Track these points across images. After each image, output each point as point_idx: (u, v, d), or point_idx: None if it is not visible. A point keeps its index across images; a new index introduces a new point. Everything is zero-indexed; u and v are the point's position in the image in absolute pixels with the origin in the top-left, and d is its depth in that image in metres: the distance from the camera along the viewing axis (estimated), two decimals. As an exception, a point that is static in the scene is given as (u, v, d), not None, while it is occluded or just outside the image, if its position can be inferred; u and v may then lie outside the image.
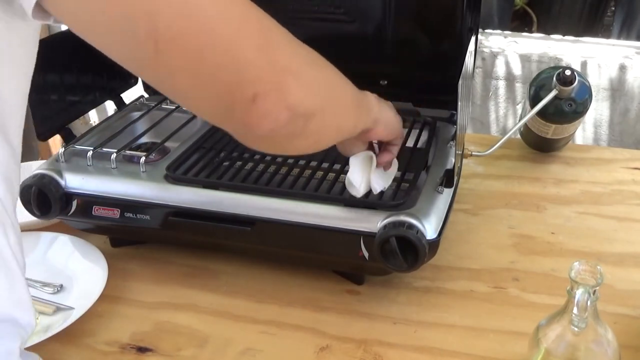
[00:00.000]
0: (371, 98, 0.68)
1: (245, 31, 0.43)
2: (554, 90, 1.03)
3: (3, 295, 0.56)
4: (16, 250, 0.56)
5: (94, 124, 1.08)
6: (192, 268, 0.91)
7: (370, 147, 0.75)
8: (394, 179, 0.83)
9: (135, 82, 1.13)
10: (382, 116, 0.68)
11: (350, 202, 0.79)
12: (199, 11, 0.42)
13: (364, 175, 0.75)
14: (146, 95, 1.12)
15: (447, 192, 0.82)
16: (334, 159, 0.88)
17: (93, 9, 0.43)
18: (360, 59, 1.03)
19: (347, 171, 0.76)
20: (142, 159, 0.87)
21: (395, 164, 0.78)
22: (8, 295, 0.56)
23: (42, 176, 0.86)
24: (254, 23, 0.45)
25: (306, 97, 0.47)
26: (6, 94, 0.53)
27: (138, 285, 0.88)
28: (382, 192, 0.80)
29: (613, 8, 2.87)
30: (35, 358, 0.64)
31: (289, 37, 0.50)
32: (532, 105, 1.06)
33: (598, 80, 2.05)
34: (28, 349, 0.73)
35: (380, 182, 0.76)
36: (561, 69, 1.03)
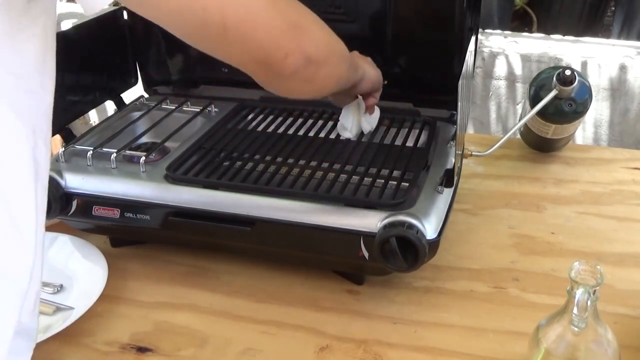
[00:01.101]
0: (357, 58, 0.83)
1: (281, 18, 0.63)
2: (554, 90, 1.03)
3: (17, 305, 0.56)
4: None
5: (94, 124, 1.08)
6: (192, 268, 0.91)
7: (355, 99, 0.91)
8: (394, 179, 0.83)
9: (135, 82, 1.13)
10: (366, 73, 0.85)
11: (350, 202, 0.79)
12: (252, 6, 0.60)
13: (354, 120, 0.92)
14: (146, 95, 1.13)
15: (447, 192, 0.82)
16: (334, 159, 0.88)
17: (178, 7, 0.57)
18: (360, 59, 1.03)
19: (342, 168, 0.81)
20: (142, 159, 0.87)
21: (377, 110, 0.94)
22: (23, 304, 0.56)
23: (42, 176, 0.86)
24: (289, 11, 0.65)
25: (317, 50, 0.66)
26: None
27: (138, 285, 0.88)
28: (382, 192, 0.80)
29: (613, 8, 2.88)
30: None
31: (305, 10, 0.67)
32: (532, 105, 1.06)
33: (598, 80, 2.05)
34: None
35: (367, 125, 0.94)
36: (561, 69, 1.03)
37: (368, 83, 0.86)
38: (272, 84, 0.67)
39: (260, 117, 1.02)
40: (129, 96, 1.10)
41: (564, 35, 2.28)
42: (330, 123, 0.99)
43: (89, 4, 0.54)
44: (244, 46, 0.61)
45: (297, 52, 0.63)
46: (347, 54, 0.77)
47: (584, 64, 2.06)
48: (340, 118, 0.93)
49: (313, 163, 0.88)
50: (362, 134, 0.95)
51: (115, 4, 1.01)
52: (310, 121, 1.00)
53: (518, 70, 2.14)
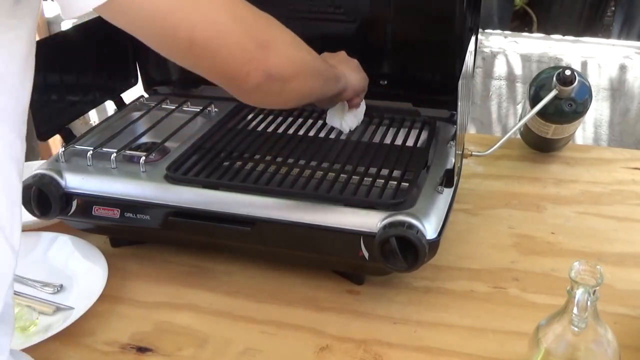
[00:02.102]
0: (342, 68, 0.86)
1: (248, 36, 0.65)
2: (554, 90, 1.03)
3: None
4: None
5: (94, 124, 1.08)
6: (192, 268, 0.91)
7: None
8: (394, 179, 0.83)
9: (135, 82, 1.13)
10: (349, 82, 0.87)
11: (350, 202, 0.79)
12: (219, 25, 0.62)
13: (339, 120, 0.96)
14: (146, 95, 1.13)
15: (447, 192, 0.82)
16: (334, 159, 0.88)
17: (151, 21, 0.59)
18: (360, 59, 1.02)
19: (342, 168, 0.83)
20: (142, 159, 0.87)
21: (363, 105, 0.97)
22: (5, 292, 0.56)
23: (42, 176, 0.86)
24: (257, 30, 0.66)
25: (282, 67, 0.68)
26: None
27: (138, 285, 0.88)
28: (382, 192, 0.80)
29: (613, 8, 2.87)
30: (23, 355, 0.64)
31: (276, 27, 0.70)
32: (532, 105, 1.06)
33: (598, 80, 2.05)
34: (29, 348, 0.73)
35: (355, 121, 0.98)
36: (561, 69, 1.03)
37: (351, 91, 0.89)
38: (239, 96, 0.70)
39: (260, 117, 1.02)
40: (129, 96, 1.10)
41: (564, 35, 2.28)
42: (330, 123, 1.00)
43: (69, 9, 0.55)
44: (210, 61, 0.64)
45: (259, 70, 0.66)
46: (321, 68, 0.79)
47: (584, 64, 2.06)
48: (327, 120, 0.98)
49: (313, 163, 0.88)
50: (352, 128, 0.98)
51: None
52: (310, 121, 1.00)
53: (518, 70, 2.14)
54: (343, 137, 0.96)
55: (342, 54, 0.91)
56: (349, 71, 0.88)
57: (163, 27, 0.59)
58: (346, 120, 0.96)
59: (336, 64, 0.85)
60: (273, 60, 0.67)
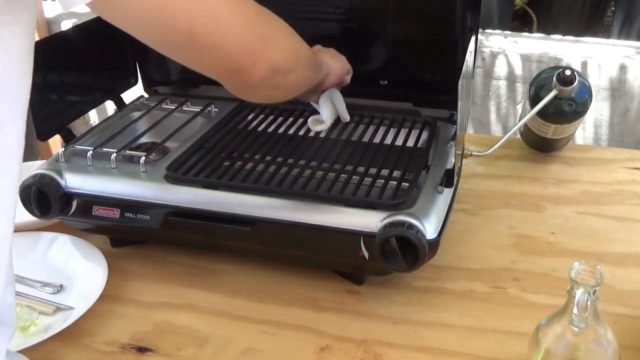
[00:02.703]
0: (322, 55, 0.87)
1: (249, 29, 0.64)
2: (554, 90, 1.03)
3: None
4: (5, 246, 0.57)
5: (94, 124, 1.08)
6: (192, 268, 0.91)
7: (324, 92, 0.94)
8: (394, 179, 0.83)
9: (135, 82, 1.13)
10: (331, 68, 0.88)
11: (350, 202, 0.79)
12: (221, 17, 0.61)
13: (330, 112, 0.96)
14: (146, 95, 1.13)
15: (447, 192, 0.82)
16: (335, 159, 0.88)
17: (148, 13, 0.57)
18: (360, 59, 1.03)
19: (342, 168, 0.82)
20: (142, 159, 0.87)
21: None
22: None
23: (42, 176, 0.86)
24: (257, 21, 0.65)
25: (284, 59, 0.68)
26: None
27: (138, 285, 0.88)
28: (382, 192, 0.80)
29: (613, 8, 2.87)
30: (19, 356, 0.64)
31: (274, 19, 0.69)
32: (532, 105, 1.06)
33: (598, 80, 2.05)
34: (29, 348, 0.73)
35: (345, 115, 0.98)
36: (561, 69, 1.03)
37: (333, 77, 0.90)
38: (240, 91, 0.70)
39: (261, 117, 1.02)
40: (129, 96, 1.10)
41: (564, 35, 2.27)
42: (330, 123, 1.00)
43: (66, 1, 0.54)
44: (212, 55, 0.63)
45: (264, 63, 0.65)
46: (312, 57, 0.79)
47: (584, 64, 2.06)
48: (320, 113, 0.96)
49: (313, 163, 0.88)
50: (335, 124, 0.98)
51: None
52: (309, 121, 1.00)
53: (518, 70, 2.13)
54: (343, 137, 0.96)
55: (317, 46, 0.90)
56: (327, 57, 0.88)
57: (161, 19, 0.58)
58: (342, 110, 0.97)
59: (315, 52, 0.84)
60: (276, 52, 0.67)
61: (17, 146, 0.57)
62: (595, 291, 0.60)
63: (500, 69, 2.15)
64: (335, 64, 0.90)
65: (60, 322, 0.79)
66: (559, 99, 1.04)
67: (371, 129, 0.98)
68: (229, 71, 0.65)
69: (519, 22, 2.93)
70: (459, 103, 0.77)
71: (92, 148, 0.90)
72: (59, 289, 0.86)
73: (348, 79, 0.95)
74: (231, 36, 0.62)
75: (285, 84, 0.70)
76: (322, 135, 0.97)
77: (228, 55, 0.63)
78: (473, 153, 0.99)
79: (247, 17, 0.64)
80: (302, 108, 1.03)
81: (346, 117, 0.98)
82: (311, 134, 0.97)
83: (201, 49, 0.61)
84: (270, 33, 0.67)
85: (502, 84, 2.17)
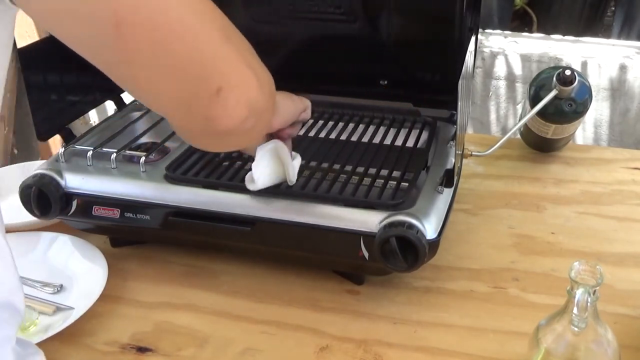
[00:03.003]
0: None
1: (211, 24, 0.44)
2: (554, 90, 1.03)
3: (1, 281, 0.56)
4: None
5: (94, 124, 1.08)
6: (192, 268, 0.91)
7: (269, 137, 0.74)
8: (394, 179, 0.83)
9: (135, 82, 1.12)
10: (279, 109, 0.67)
11: (350, 202, 0.79)
12: (164, 7, 0.41)
13: (269, 168, 0.74)
14: (146, 95, 1.12)
15: (447, 192, 0.82)
16: (334, 159, 0.88)
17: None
18: (360, 59, 1.02)
19: (341, 168, 0.80)
20: (142, 159, 0.87)
21: (298, 155, 0.78)
22: (5, 280, 0.56)
23: (42, 176, 0.86)
24: (218, 17, 0.46)
25: (262, 95, 0.49)
26: None
27: (138, 285, 0.88)
28: (382, 192, 0.80)
29: (613, 8, 2.87)
30: (31, 344, 0.64)
31: (241, 35, 0.51)
32: (532, 105, 1.06)
33: (598, 80, 2.05)
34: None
35: (292, 172, 0.77)
36: (561, 69, 1.03)
37: (280, 120, 0.69)
38: (200, 134, 0.53)
39: (260, 117, 1.02)
40: (129, 96, 1.10)
41: (564, 35, 2.28)
42: (331, 123, 0.99)
43: None
44: (150, 66, 0.45)
45: (236, 91, 0.48)
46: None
47: (584, 64, 2.06)
48: (254, 169, 0.74)
49: (313, 163, 0.88)
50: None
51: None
52: (309, 121, 1.00)
53: (518, 70, 2.14)
54: (343, 137, 0.96)
55: None
56: (279, 96, 0.66)
57: (72, 6, 0.41)
58: (291, 168, 0.76)
59: None
60: (252, 83, 0.49)
61: None
62: (595, 291, 0.60)
63: (500, 69, 2.15)
64: (285, 103, 0.70)
65: (60, 322, 0.79)
66: (559, 99, 1.04)
67: (371, 129, 0.98)
68: (182, 97, 0.45)
69: (519, 22, 2.93)
70: (459, 103, 0.77)
71: (92, 148, 0.90)
72: (59, 289, 0.86)
73: (306, 116, 0.77)
74: (180, 35, 0.43)
75: (255, 128, 0.52)
76: (322, 135, 0.97)
77: (175, 72, 0.44)
78: (473, 153, 0.99)
79: (215, 23, 0.47)
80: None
81: (292, 178, 0.77)
82: (311, 133, 0.97)
83: (133, 55, 0.43)
84: (247, 55, 0.49)
85: (502, 84, 2.17)
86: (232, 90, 0.46)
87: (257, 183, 0.74)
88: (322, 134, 0.97)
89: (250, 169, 0.77)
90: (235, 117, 0.47)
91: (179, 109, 0.47)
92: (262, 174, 0.74)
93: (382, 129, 0.97)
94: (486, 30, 2.33)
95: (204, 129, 0.49)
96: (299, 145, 0.93)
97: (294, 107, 0.72)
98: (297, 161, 0.77)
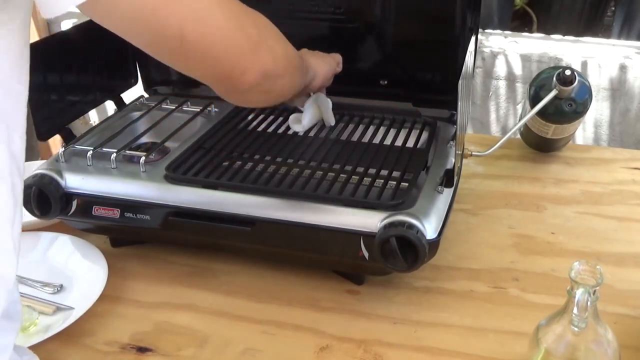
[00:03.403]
0: (308, 58, 0.86)
1: (241, 34, 0.63)
2: (554, 90, 1.03)
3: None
4: (16, 238, 0.57)
5: (94, 124, 1.08)
6: (192, 268, 0.91)
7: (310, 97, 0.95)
8: (394, 179, 0.83)
9: (135, 82, 1.13)
10: (317, 72, 0.88)
11: (350, 202, 0.79)
12: (212, 22, 0.60)
13: (313, 115, 0.96)
14: (146, 95, 1.13)
15: (447, 192, 0.82)
16: (334, 159, 0.88)
17: (138, 16, 0.57)
18: (360, 59, 1.03)
19: (341, 168, 0.82)
20: (142, 159, 0.87)
21: (329, 100, 0.97)
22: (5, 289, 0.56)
23: (42, 176, 0.86)
24: (249, 26, 0.64)
25: (275, 64, 0.68)
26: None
27: (138, 285, 0.88)
28: (382, 192, 0.80)
29: (613, 8, 2.87)
30: (26, 350, 0.64)
31: (265, 23, 0.69)
32: (532, 105, 1.06)
33: (598, 80, 2.05)
34: (28, 348, 0.73)
35: (331, 119, 0.98)
36: (561, 69, 1.03)
37: (319, 80, 0.89)
38: (230, 96, 0.70)
39: (260, 117, 1.02)
40: (129, 96, 1.10)
41: (564, 35, 2.28)
42: (330, 123, 1.00)
43: (49, 7, 0.52)
44: (202, 61, 0.62)
45: (255, 69, 0.65)
46: (300, 61, 0.78)
47: (584, 64, 2.06)
48: (304, 116, 0.95)
49: (313, 163, 0.88)
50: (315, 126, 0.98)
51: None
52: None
53: (518, 70, 2.13)
54: (343, 137, 0.96)
55: (304, 49, 0.89)
56: (313, 60, 0.87)
57: (152, 23, 0.57)
58: (328, 115, 0.97)
59: (302, 55, 0.83)
60: (267, 58, 0.66)
61: (20, 142, 0.56)
62: (595, 291, 0.60)
63: (500, 69, 2.15)
64: (322, 67, 0.89)
65: (60, 322, 0.79)
66: (559, 99, 1.04)
67: (371, 129, 0.98)
68: (220, 76, 0.65)
69: (519, 22, 2.93)
70: (459, 103, 0.77)
71: (92, 148, 0.90)
72: (59, 289, 0.86)
73: (339, 69, 0.95)
74: (222, 41, 0.61)
75: (274, 89, 0.70)
76: (322, 135, 0.97)
77: (218, 62, 0.63)
78: (473, 153, 0.99)
79: (238, 22, 0.63)
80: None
81: (331, 121, 0.98)
82: (311, 133, 0.97)
83: (191, 56, 0.61)
84: (262, 38, 0.66)
85: (502, 84, 2.17)
86: (252, 69, 0.65)
87: (304, 123, 0.95)
88: (322, 134, 0.97)
89: (252, 170, 0.87)
90: (255, 83, 0.65)
91: (217, 82, 0.67)
92: (307, 119, 0.95)
93: (382, 129, 0.97)
94: (486, 30, 2.33)
95: (234, 91, 0.68)
96: (298, 145, 0.93)
97: (328, 67, 0.92)
98: (330, 104, 0.97)
